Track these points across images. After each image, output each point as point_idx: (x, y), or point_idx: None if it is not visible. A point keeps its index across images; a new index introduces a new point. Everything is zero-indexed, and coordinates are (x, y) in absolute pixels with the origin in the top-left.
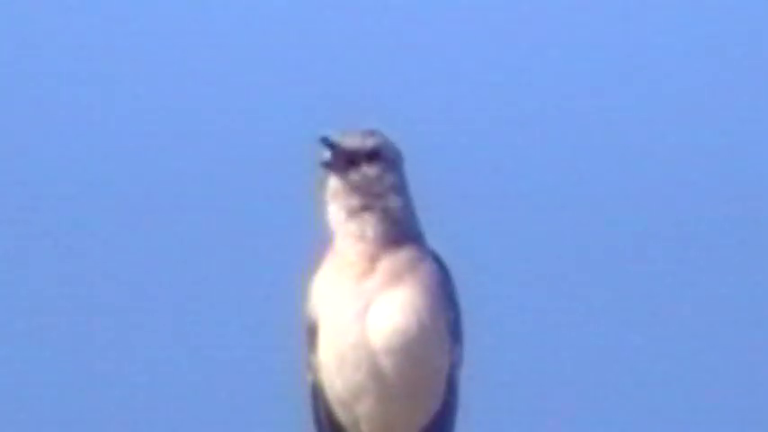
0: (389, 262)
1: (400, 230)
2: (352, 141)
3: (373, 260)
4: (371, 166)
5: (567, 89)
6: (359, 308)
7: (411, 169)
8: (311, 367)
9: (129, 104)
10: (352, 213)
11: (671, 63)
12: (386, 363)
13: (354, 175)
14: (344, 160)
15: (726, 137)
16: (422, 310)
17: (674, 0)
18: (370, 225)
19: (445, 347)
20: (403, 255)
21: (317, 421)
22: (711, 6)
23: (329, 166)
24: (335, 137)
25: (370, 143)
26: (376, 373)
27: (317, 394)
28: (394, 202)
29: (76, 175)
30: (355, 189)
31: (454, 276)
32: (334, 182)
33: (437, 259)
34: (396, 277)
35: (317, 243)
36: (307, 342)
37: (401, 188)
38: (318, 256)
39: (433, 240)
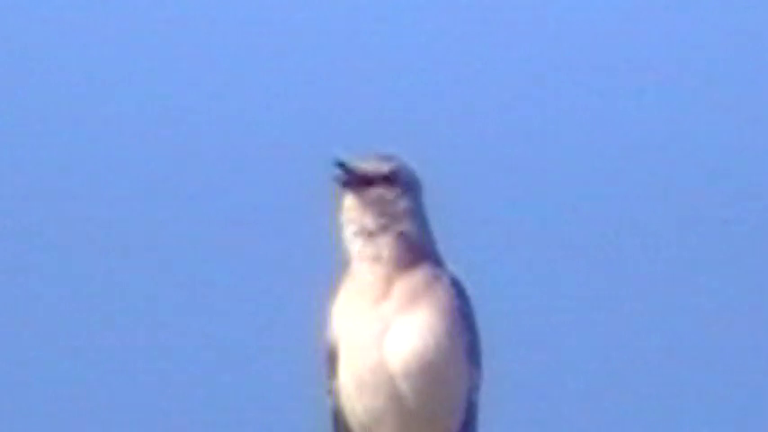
0: (406, 284)
1: (416, 253)
2: (367, 165)
3: (390, 282)
4: (387, 189)
5: (591, 108)
6: (377, 331)
7: (432, 195)
8: (332, 392)
9: (139, 122)
10: (368, 235)
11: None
12: (405, 386)
13: (370, 194)
14: (360, 181)
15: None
16: (440, 333)
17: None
18: (385, 247)
19: (463, 370)
20: (419, 276)
21: None
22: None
23: (344, 183)
24: (350, 159)
25: (386, 167)
26: (395, 397)
27: (338, 419)
28: (409, 225)
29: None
30: (370, 208)
31: (473, 301)
32: (349, 200)
33: (456, 282)
34: (413, 300)
35: (336, 265)
36: (327, 367)
37: (417, 213)
38: (337, 279)
39: (453, 266)
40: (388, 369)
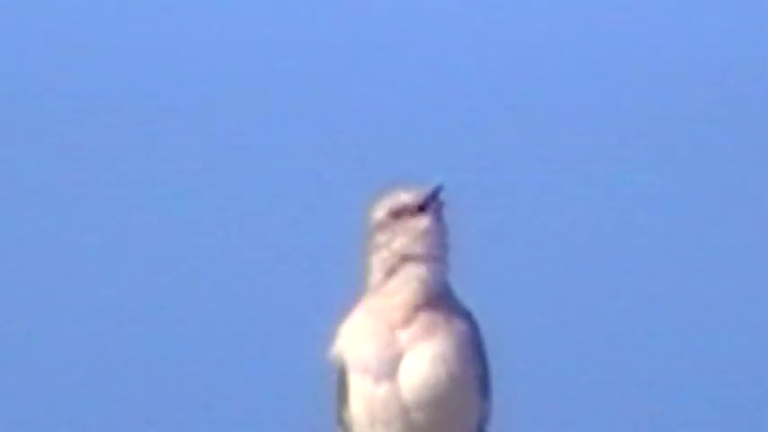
0: (428, 314)
1: (447, 288)
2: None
3: (416, 310)
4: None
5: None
6: (390, 358)
7: None
8: (342, 422)
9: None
10: (430, 257)
11: None
12: (418, 417)
13: (443, 222)
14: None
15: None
16: (453, 365)
17: None
18: (436, 274)
19: (475, 403)
20: (441, 309)
21: None
22: None
23: (434, 206)
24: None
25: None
26: (408, 428)
27: None
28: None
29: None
30: (444, 233)
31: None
32: (430, 222)
33: (470, 315)
34: (430, 331)
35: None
36: (336, 393)
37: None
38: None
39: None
40: (402, 399)
